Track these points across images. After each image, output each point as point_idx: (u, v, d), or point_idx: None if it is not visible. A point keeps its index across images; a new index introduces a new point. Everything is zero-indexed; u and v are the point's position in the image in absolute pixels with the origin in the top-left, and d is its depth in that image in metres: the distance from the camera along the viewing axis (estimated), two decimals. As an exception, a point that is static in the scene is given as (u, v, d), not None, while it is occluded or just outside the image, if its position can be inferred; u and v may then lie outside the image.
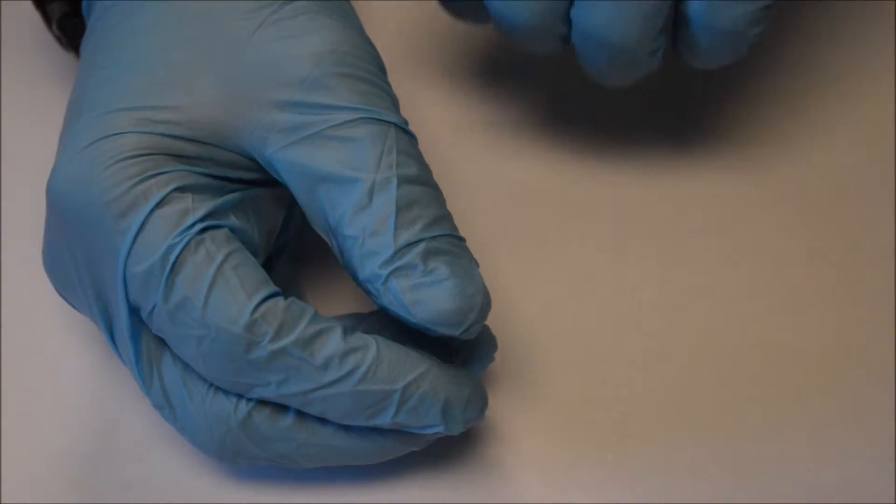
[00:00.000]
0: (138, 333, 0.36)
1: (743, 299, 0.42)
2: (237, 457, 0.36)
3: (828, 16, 0.49)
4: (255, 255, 0.37)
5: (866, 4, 0.49)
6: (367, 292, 0.36)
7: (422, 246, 0.35)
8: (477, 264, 0.36)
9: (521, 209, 0.44)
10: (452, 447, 0.39)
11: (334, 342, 0.35)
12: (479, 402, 0.37)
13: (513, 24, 0.41)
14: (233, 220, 0.36)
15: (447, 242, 0.35)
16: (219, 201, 0.36)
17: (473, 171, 0.45)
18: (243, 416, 0.36)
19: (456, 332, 0.35)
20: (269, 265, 0.39)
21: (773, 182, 0.45)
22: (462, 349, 0.38)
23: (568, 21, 0.40)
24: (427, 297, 0.35)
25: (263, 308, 0.34)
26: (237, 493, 0.39)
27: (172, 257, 0.34)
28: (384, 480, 0.39)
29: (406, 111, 0.39)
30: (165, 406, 0.36)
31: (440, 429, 0.36)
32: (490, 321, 0.37)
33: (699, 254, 0.43)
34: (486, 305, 0.35)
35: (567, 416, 0.40)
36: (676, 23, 0.41)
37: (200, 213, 0.35)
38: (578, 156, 0.45)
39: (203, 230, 0.35)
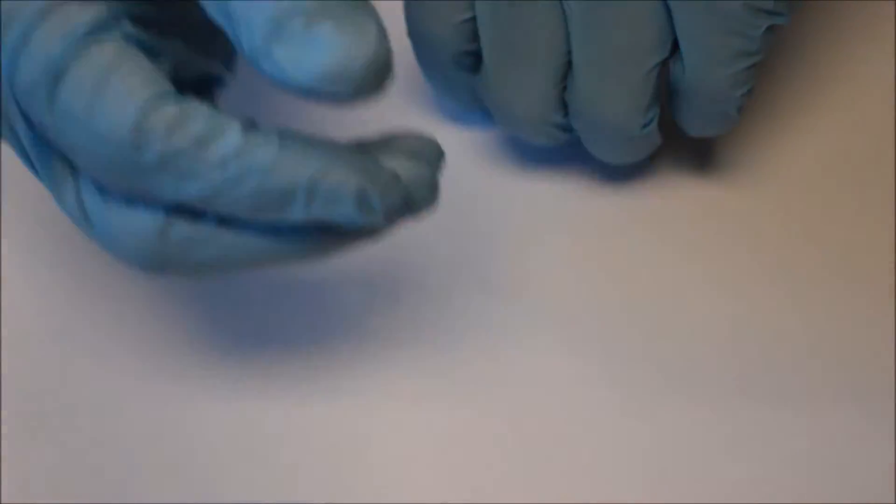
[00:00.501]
0: (45, 146, 0.34)
1: (741, 288, 0.42)
2: (163, 266, 0.34)
3: (828, 16, 0.49)
4: (158, 64, 0.34)
5: (866, 4, 0.49)
6: (259, 71, 0.32)
7: (304, 6, 0.31)
8: (378, 21, 0.32)
9: (520, 205, 0.44)
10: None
11: (232, 139, 0.32)
12: (404, 189, 0.34)
13: (511, 119, 0.42)
14: (127, 27, 0.33)
15: (336, 1, 0.32)
16: (113, 7, 0.33)
17: (472, 167, 0.45)
18: (162, 221, 0.33)
19: (347, 92, 0.31)
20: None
21: (772, 180, 0.45)
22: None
23: (563, 108, 0.41)
24: (308, 58, 0.31)
25: (152, 109, 0.32)
26: (236, 488, 0.39)
27: (54, 68, 0.32)
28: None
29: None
30: (81, 219, 0.34)
31: (359, 220, 0.33)
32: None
33: (700, 244, 0.43)
34: (377, 57, 0.31)
35: (564, 398, 0.40)
36: (669, 93, 0.42)
37: (86, 19, 0.33)
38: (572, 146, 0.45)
39: (90, 37, 0.33)
